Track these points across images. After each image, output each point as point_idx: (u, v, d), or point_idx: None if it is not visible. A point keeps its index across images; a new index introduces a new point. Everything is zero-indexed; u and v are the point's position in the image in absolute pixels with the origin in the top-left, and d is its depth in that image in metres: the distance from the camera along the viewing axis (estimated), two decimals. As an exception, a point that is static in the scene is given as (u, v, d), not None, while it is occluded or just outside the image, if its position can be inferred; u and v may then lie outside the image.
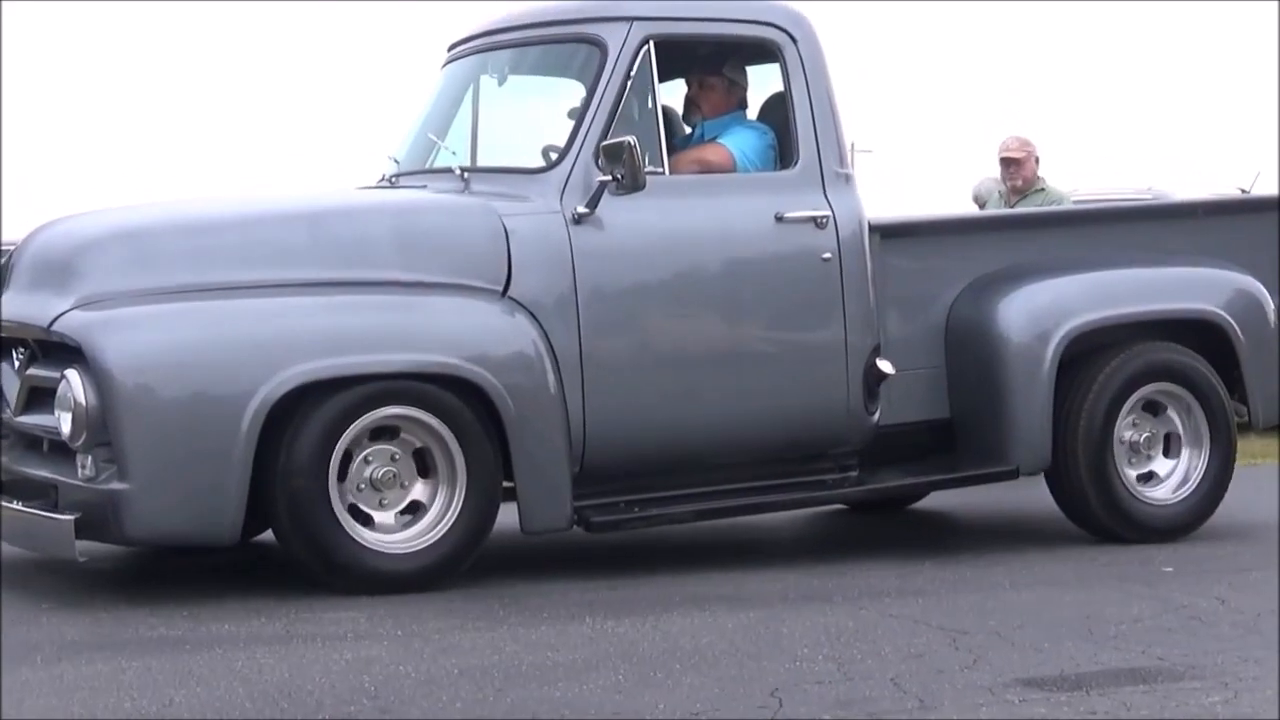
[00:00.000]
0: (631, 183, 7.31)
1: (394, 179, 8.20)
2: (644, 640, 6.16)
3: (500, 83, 8.17)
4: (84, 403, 6.73)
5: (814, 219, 7.78)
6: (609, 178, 7.34)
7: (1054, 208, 10.24)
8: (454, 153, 7.89)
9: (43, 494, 7.12)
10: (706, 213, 7.70)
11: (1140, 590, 7.16)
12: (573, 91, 8.26)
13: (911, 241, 8.41)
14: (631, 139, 7.29)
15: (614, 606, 6.82)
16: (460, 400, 7.09)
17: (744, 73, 8.18)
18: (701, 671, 5.61)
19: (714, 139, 8.00)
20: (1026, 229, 8.85)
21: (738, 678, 5.52)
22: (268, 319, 6.99)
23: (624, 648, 6.03)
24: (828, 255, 7.78)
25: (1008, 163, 11.21)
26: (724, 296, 7.69)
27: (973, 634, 6.21)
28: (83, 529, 6.81)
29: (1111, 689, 5.30)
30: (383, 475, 7.04)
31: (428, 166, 8.09)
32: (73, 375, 6.77)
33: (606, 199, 7.41)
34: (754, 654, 5.90)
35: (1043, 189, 11.17)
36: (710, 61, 8.14)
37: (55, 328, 6.90)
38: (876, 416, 7.99)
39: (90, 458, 6.84)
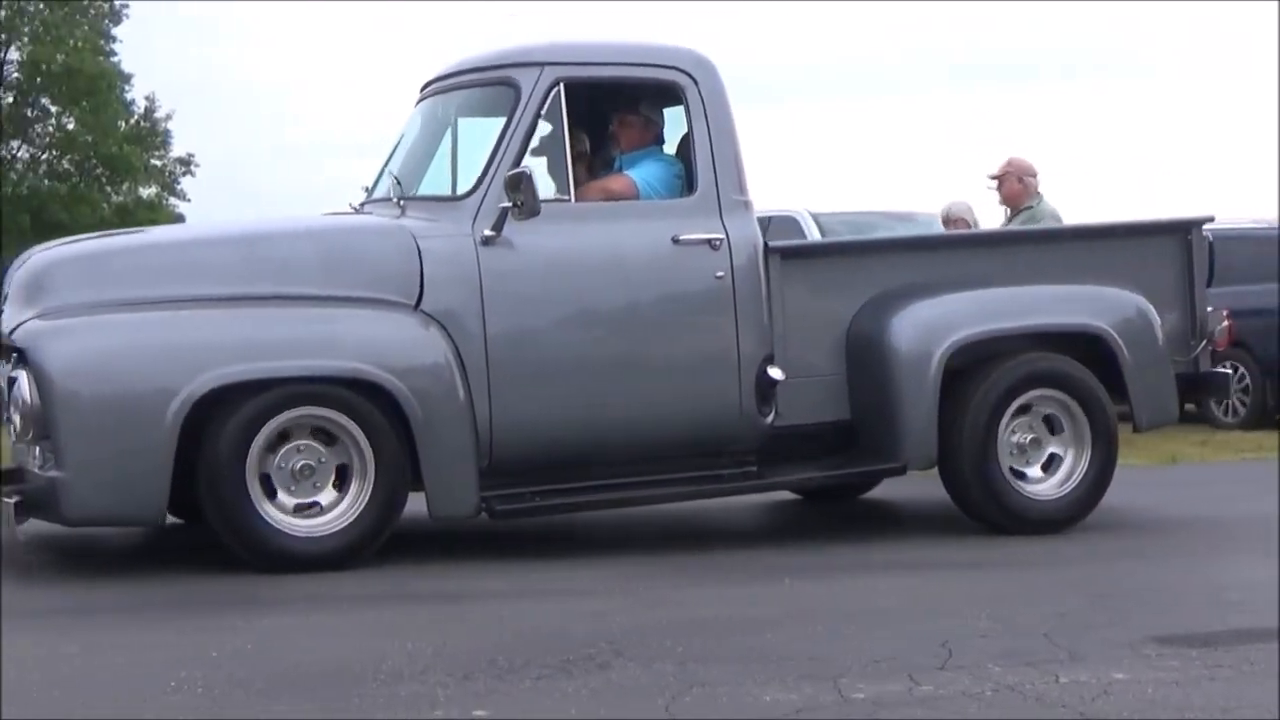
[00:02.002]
0: (528, 209, 7.22)
1: (359, 207, 8.17)
2: (834, 598, 6.40)
3: (453, 122, 8.10)
4: (29, 401, 6.78)
5: (709, 241, 7.58)
6: (510, 204, 7.25)
7: (949, 232, 9.79)
8: (399, 183, 7.79)
9: (20, 479, 7.18)
10: (606, 236, 7.55)
11: (1261, 560, 7.12)
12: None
13: (810, 262, 8.14)
14: (527, 170, 7.20)
15: (808, 569, 7.00)
16: (370, 402, 7.02)
17: (660, 111, 8.01)
18: (882, 625, 5.81)
19: (622, 170, 7.86)
20: (926, 250, 8.52)
21: (913, 631, 5.66)
22: (193, 328, 6.96)
23: (817, 604, 6.24)
24: (721, 274, 7.58)
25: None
26: (621, 310, 7.52)
27: (1113, 597, 6.32)
28: (32, 510, 6.89)
29: (1235, 646, 5.34)
30: (300, 468, 6.99)
31: (380, 197, 7.99)
32: (22, 377, 6.82)
33: (516, 223, 7.29)
34: (926, 611, 6.08)
35: (1030, 207, 10.86)
36: (630, 101, 7.99)
37: (11, 336, 6.98)
38: (770, 419, 7.77)
39: (38, 449, 6.89)
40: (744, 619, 5.92)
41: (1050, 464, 8.07)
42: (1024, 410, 8.01)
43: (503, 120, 7.56)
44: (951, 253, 8.47)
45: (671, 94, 7.81)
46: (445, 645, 5.41)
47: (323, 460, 7.03)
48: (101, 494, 6.77)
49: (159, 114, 40.03)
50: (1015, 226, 10.34)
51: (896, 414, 7.81)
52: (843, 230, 13.02)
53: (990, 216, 12.00)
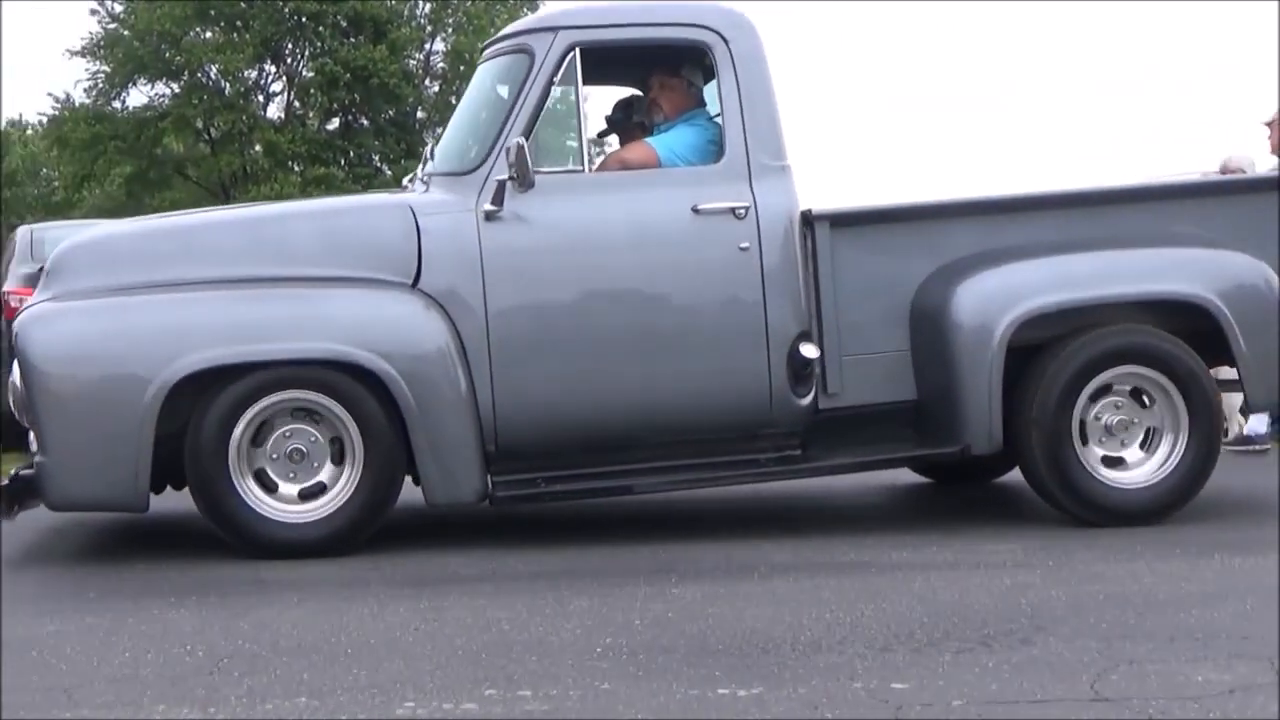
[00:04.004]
0: (523, 181, 6.78)
1: (406, 183, 7.86)
2: (1266, 574, 5.92)
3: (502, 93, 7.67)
4: (18, 385, 6.74)
5: (733, 210, 6.96)
6: (507, 177, 6.82)
7: (1029, 193, 8.47)
8: (431, 158, 7.45)
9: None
10: (620, 207, 7.01)
11: None
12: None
13: (867, 230, 7.32)
14: (520, 141, 6.76)
15: (1239, 546, 6.51)
16: (359, 385, 6.70)
17: (698, 73, 7.41)
18: (1319, 604, 5.43)
19: (646, 139, 7.31)
20: (1004, 213, 7.45)
21: (1354, 611, 5.28)
22: (175, 311, 6.74)
23: (1248, 581, 5.84)
24: (745, 245, 6.95)
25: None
26: (635, 285, 6.95)
27: None
28: (29, 495, 6.85)
29: None
30: (290, 453, 6.74)
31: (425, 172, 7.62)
32: (16, 363, 6.79)
33: (526, 197, 6.87)
34: (1366, 590, 5.65)
35: None
36: (668, 63, 7.42)
37: (14, 323, 6.94)
38: (808, 399, 7.09)
39: (32, 433, 6.84)
40: (1170, 595, 5.57)
41: (1142, 449, 7.13)
42: (1109, 390, 7.11)
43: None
44: (1037, 215, 7.46)
45: (697, 55, 7.21)
46: (862, 617, 5.27)
47: (314, 440, 6.77)
48: (81, 479, 6.64)
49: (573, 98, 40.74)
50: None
51: (957, 393, 7.01)
52: None
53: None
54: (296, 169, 38.27)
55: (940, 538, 6.87)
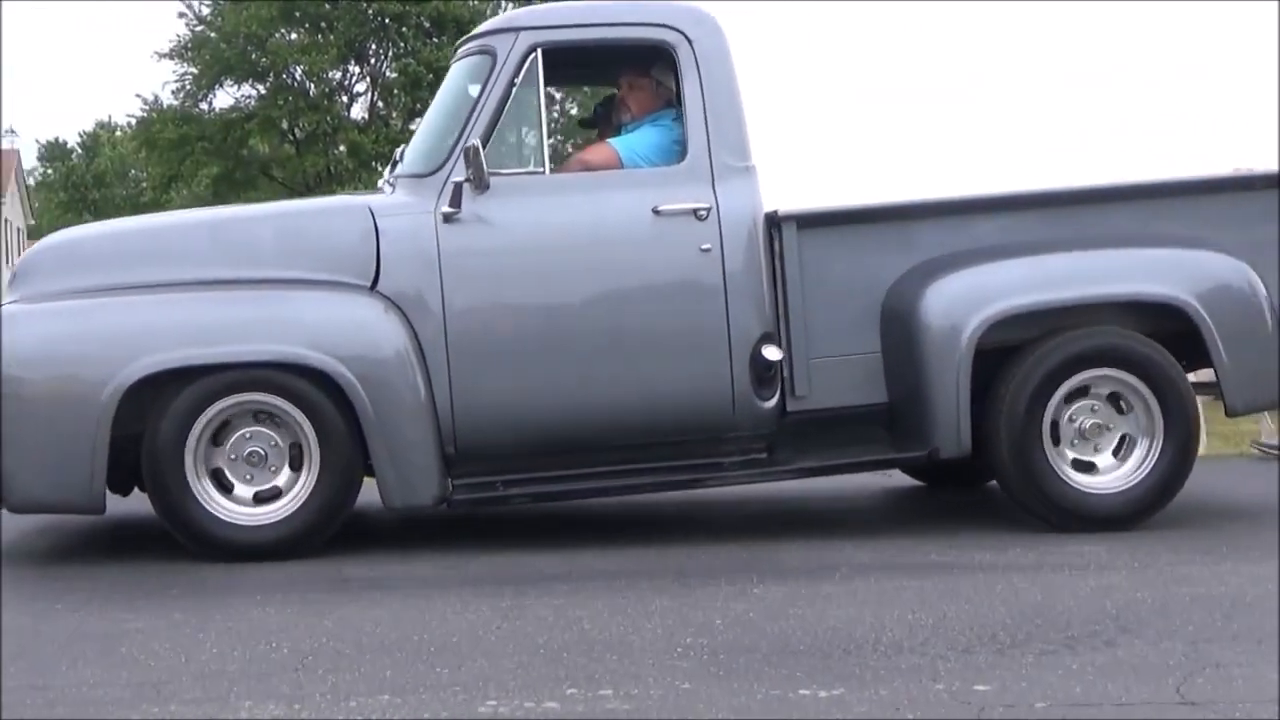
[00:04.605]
0: (478, 183, 6.75)
1: (380, 184, 7.85)
2: None
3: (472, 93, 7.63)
4: None
5: (694, 211, 6.88)
6: (464, 179, 6.79)
7: (1002, 193, 8.19)
8: (398, 161, 7.44)
9: None
10: (580, 209, 6.94)
11: None
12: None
13: (836, 231, 7.18)
14: (475, 143, 6.73)
15: None
16: (313, 387, 6.68)
17: (667, 73, 7.32)
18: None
19: (608, 140, 7.24)
20: (976, 214, 7.28)
21: None
22: (133, 314, 6.73)
23: None
24: (707, 246, 6.86)
25: None
26: (594, 287, 6.89)
27: None
28: None
29: None
30: (249, 455, 6.74)
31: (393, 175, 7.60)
32: None
33: (485, 199, 6.83)
34: None
35: None
36: (638, 63, 7.34)
37: None
38: (772, 402, 6.99)
39: None
40: (1255, 597, 5.51)
41: (1115, 453, 6.98)
42: (1083, 393, 6.97)
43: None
44: (1011, 215, 7.28)
45: (660, 55, 7.12)
46: (944, 618, 5.24)
47: (272, 443, 6.75)
48: (38, 481, 6.64)
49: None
50: None
51: (926, 395, 6.89)
52: None
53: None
54: (380, 169, 38.51)
55: (1023, 539, 6.78)
